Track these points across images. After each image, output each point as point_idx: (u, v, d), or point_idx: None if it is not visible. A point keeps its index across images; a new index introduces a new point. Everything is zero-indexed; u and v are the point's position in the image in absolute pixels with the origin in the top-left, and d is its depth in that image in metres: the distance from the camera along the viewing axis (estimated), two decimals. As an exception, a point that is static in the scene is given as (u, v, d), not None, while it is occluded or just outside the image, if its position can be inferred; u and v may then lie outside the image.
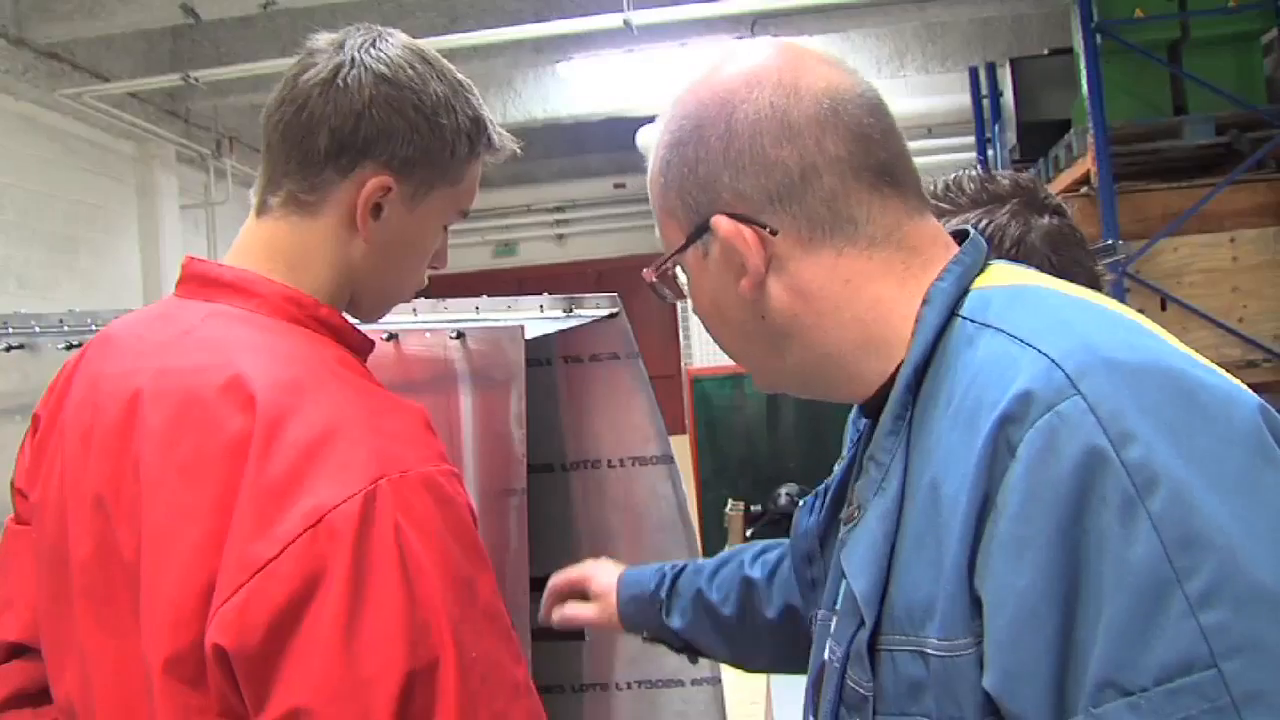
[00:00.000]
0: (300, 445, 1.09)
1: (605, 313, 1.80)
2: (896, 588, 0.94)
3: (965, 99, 7.54)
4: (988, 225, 1.46)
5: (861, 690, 0.96)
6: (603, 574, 1.69)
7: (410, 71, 1.28)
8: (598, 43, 6.41)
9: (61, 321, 1.94)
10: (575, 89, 7.75)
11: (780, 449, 7.55)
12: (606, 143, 8.93)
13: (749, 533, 5.05)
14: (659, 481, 1.84)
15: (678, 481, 1.84)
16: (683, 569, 1.63)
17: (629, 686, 1.90)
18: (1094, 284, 1.52)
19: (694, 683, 1.89)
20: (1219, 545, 0.76)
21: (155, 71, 6.96)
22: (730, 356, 1.14)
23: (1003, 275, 1.03)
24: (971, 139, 7.57)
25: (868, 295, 1.01)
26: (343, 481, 1.07)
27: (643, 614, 1.64)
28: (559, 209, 9.73)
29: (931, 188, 1.53)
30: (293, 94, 1.27)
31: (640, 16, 5.89)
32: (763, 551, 1.58)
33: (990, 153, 7.40)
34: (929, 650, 0.89)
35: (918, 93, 7.72)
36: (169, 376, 1.18)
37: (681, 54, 6.64)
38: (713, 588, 1.59)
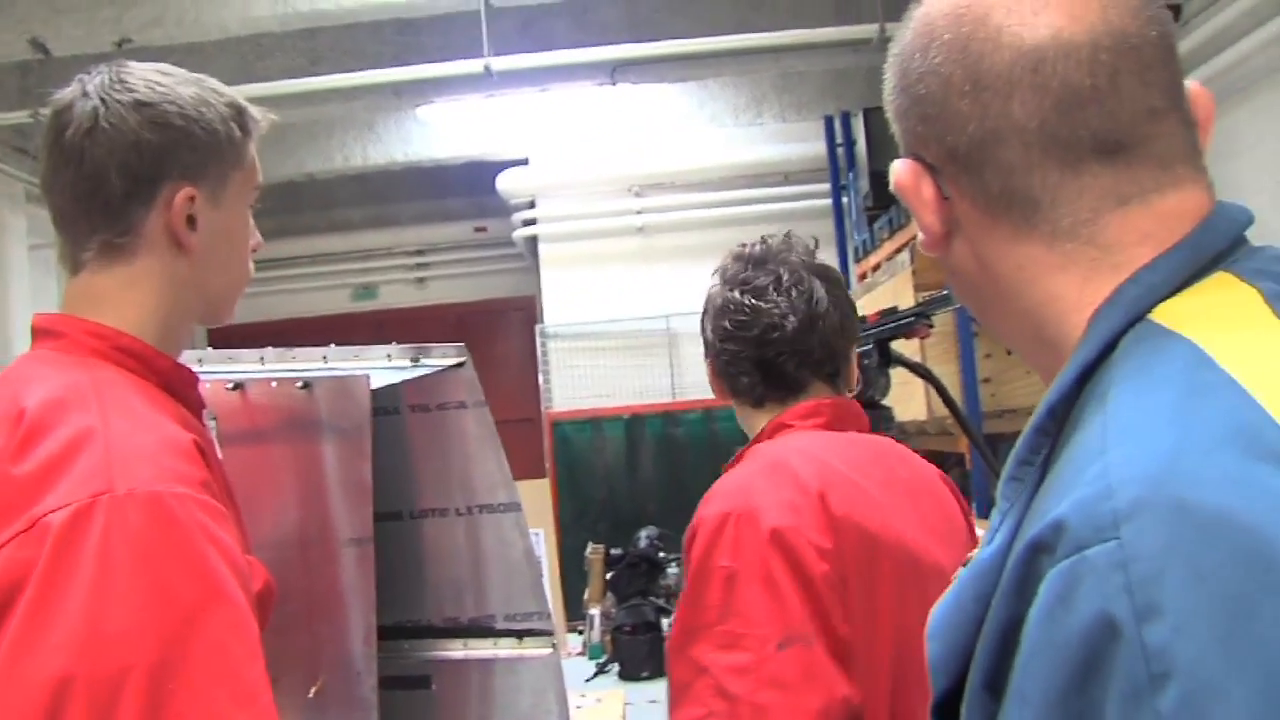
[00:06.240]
0: (44, 457, 1.14)
1: (452, 362, 1.81)
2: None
3: (821, 147, 7.70)
4: None
5: None
6: None
7: (159, 88, 1.34)
8: (458, 87, 6.42)
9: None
10: (436, 133, 7.75)
11: (640, 492, 7.60)
12: (467, 186, 8.92)
13: (609, 575, 5.06)
14: (507, 529, 1.85)
15: (524, 529, 1.85)
16: None
17: (478, 733, 1.91)
18: None
19: (543, 728, 1.89)
20: None
21: (2, 108, 6.79)
22: None
23: (1190, 307, 0.79)
24: (828, 185, 7.73)
25: (1041, 290, 0.86)
26: (67, 492, 1.10)
27: None
28: (419, 252, 9.68)
29: None
30: (65, 156, 1.32)
31: (501, 62, 5.91)
32: None
33: (845, 200, 7.56)
34: None
35: (776, 140, 7.88)
36: None
37: (542, 99, 6.68)
38: None
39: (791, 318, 1.81)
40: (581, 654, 5.08)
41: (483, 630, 1.87)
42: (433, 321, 9.31)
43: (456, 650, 1.89)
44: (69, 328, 1.32)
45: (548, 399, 7.98)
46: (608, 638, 4.87)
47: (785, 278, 1.84)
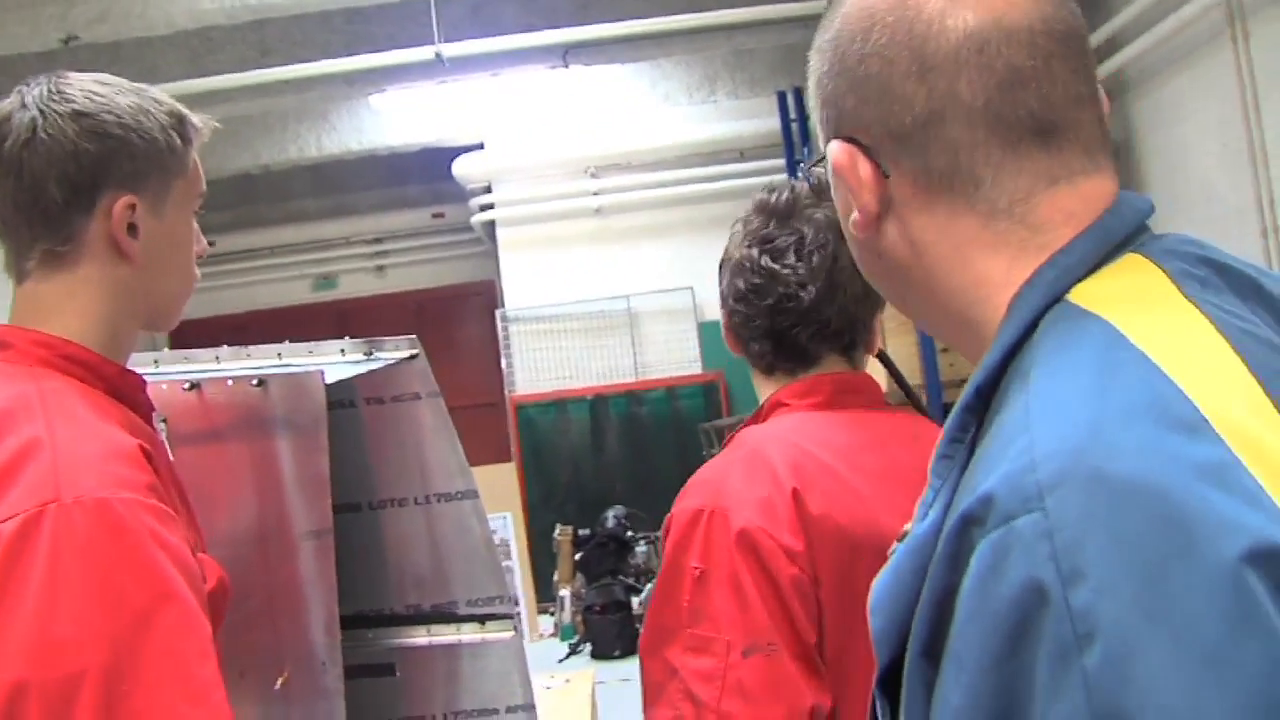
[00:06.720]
0: None
1: (405, 354, 1.83)
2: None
3: (775, 123, 7.72)
4: None
5: None
6: None
7: (97, 98, 1.37)
8: (410, 75, 6.41)
9: None
10: (390, 120, 7.74)
11: (606, 472, 7.64)
12: (423, 173, 8.91)
13: (578, 555, 5.09)
14: (465, 516, 1.87)
15: (483, 515, 1.88)
16: None
17: (445, 718, 1.93)
18: None
19: (508, 710, 1.92)
20: None
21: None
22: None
23: (1105, 288, 0.83)
24: (783, 161, 7.75)
25: (973, 270, 0.89)
26: (15, 502, 1.14)
27: None
28: (378, 240, 9.66)
29: None
30: (4, 167, 1.34)
31: (451, 49, 5.91)
32: None
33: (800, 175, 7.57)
34: None
35: (729, 117, 7.89)
36: None
37: (494, 84, 6.68)
38: None
39: (810, 286, 1.69)
40: (553, 635, 5.12)
41: (445, 616, 1.90)
42: (393, 309, 9.30)
43: (420, 637, 1.91)
44: (15, 338, 1.34)
45: (511, 383, 7.99)
46: (579, 618, 4.91)
47: (809, 238, 1.71)
